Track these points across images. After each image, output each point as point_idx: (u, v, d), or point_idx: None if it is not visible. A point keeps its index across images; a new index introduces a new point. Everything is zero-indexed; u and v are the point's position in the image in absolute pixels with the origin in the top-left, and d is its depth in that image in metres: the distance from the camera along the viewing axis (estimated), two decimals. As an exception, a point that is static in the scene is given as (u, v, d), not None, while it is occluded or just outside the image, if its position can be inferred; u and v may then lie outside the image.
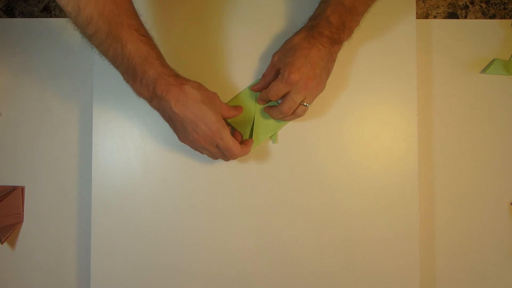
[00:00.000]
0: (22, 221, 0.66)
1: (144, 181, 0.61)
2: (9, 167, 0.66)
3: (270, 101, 0.58)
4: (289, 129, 0.61)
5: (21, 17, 0.68)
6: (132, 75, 0.48)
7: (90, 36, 0.46)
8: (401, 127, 0.61)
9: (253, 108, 0.60)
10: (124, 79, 0.50)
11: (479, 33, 0.66)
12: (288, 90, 0.54)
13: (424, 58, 0.66)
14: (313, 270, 0.61)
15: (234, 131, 0.60)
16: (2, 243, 0.63)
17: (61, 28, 0.66)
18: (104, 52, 0.47)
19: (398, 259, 0.60)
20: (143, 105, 0.61)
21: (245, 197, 0.61)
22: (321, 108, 0.61)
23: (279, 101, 0.57)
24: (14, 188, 0.65)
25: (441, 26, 0.66)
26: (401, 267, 0.60)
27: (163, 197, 0.61)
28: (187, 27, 0.61)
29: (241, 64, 0.61)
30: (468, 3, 0.68)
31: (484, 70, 0.65)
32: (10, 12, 0.69)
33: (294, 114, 0.56)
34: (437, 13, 0.68)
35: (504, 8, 0.68)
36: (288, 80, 0.52)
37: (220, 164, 0.61)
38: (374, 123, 0.61)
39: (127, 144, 0.61)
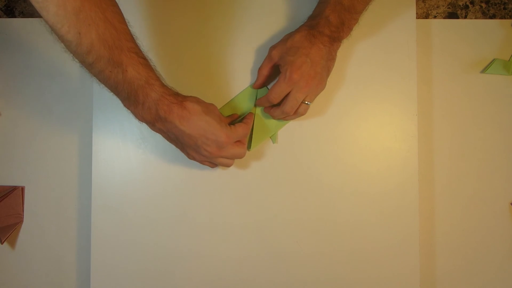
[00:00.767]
0: (22, 221, 0.66)
1: (144, 181, 0.61)
2: (9, 167, 0.66)
3: (268, 105, 0.58)
4: (287, 130, 0.61)
5: (21, 17, 0.68)
6: (134, 100, 0.47)
7: (90, 64, 0.45)
8: (401, 127, 0.61)
9: (252, 109, 0.60)
10: (125, 105, 0.49)
11: (479, 33, 0.66)
12: (289, 89, 0.54)
13: (424, 58, 0.66)
14: (313, 272, 0.61)
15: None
16: (2, 243, 0.63)
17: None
18: (105, 80, 0.46)
19: (398, 259, 0.60)
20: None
21: (244, 201, 0.61)
22: (321, 109, 0.61)
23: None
24: (14, 188, 0.65)
25: (441, 26, 0.66)
26: (401, 268, 0.60)
27: (163, 197, 0.61)
28: (184, 29, 0.61)
29: (238, 65, 0.61)
30: (468, 3, 0.68)
31: (484, 70, 0.65)
32: (10, 12, 0.69)
33: (296, 114, 0.56)
34: (437, 13, 0.68)
35: (504, 8, 0.68)
36: (290, 79, 0.53)
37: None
38: (374, 123, 0.61)
39: (127, 144, 0.61)
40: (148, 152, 0.61)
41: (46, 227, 0.66)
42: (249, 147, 0.60)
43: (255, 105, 0.60)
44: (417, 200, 0.60)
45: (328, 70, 0.55)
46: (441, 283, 0.65)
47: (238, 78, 0.61)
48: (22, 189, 0.66)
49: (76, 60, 0.45)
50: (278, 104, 0.56)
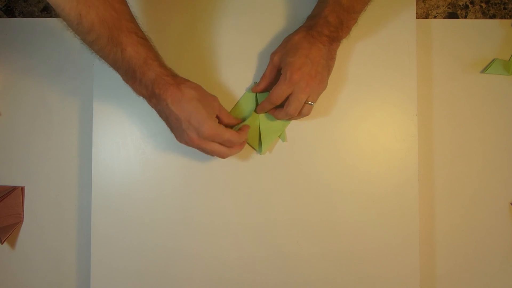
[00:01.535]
0: (22, 221, 0.66)
1: (144, 181, 0.61)
2: (9, 167, 0.66)
3: (271, 108, 0.57)
4: (287, 131, 0.61)
5: (21, 17, 0.68)
6: (132, 77, 0.49)
7: (90, 42, 0.47)
8: (401, 127, 0.61)
9: (253, 114, 0.60)
10: (124, 79, 0.51)
11: (479, 33, 0.66)
12: (291, 91, 0.54)
13: (424, 58, 0.66)
14: (313, 273, 0.61)
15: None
16: (2, 243, 0.63)
17: (61, 28, 0.66)
18: (104, 57, 0.49)
19: (398, 259, 0.60)
20: (143, 105, 0.61)
21: (245, 201, 0.61)
22: (321, 109, 0.61)
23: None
24: (14, 188, 0.65)
25: (441, 26, 0.66)
26: (401, 268, 0.60)
27: (163, 198, 0.61)
28: (182, 30, 0.61)
29: (238, 66, 0.61)
30: (468, 3, 0.68)
31: (484, 70, 0.65)
32: (10, 12, 0.69)
33: (300, 114, 0.56)
34: (437, 13, 0.68)
35: (504, 8, 0.68)
36: (291, 80, 0.53)
37: (220, 165, 0.61)
38: (374, 123, 0.61)
39: (127, 144, 0.61)
40: (148, 152, 0.61)
41: (46, 227, 0.66)
42: (260, 151, 0.60)
43: (256, 111, 0.59)
44: (417, 200, 0.60)
45: (328, 69, 0.55)
46: (441, 283, 0.65)
47: (238, 80, 0.61)
48: (22, 189, 0.66)
49: (77, 37, 0.47)
50: (281, 106, 0.56)
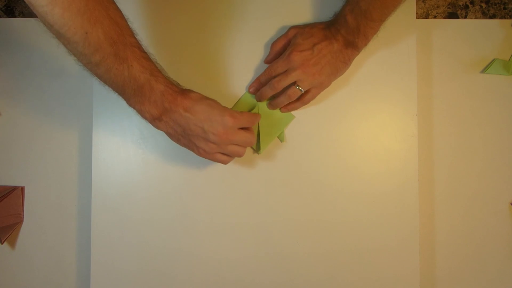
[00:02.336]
0: (22, 221, 0.66)
1: (144, 181, 0.61)
2: (9, 167, 0.66)
3: (267, 80, 0.58)
4: (288, 130, 0.61)
5: (21, 17, 0.68)
6: (140, 96, 0.48)
7: (97, 64, 0.44)
8: (401, 127, 0.61)
9: (255, 112, 0.60)
10: (130, 104, 0.49)
11: (479, 33, 0.66)
12: (286, 68, 0.55)
13: (424, 58, 0.66)
14: (313, 273, 0.61)
15: None
16: (2, 243, 0.63)
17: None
18: (111, 79, 0.46)
19: (398, 259, 0.60)
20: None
21: (245, 201, 0.61)
22: (321, 109, 0.61)
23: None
24: (14, 188, 0.65)
25: (441, 26, 0.66)
26: (401, 269, 0.60)
27: (163, 198, 0.61)
28: (183, 32, 0.61)
29: (238, 68, 0.61)
30: (468, 3, 0.68)
31: (484, 70, 0.65)
32: (10, 12, 0.69)
33: (285, 95, 0.56)
34: (437, 13, 0.68)
35: (504, 8, 0.68)
36: (289, 58, 0.54)
37: (220, 165, 0.61)
38: (373, 123, 0.61)
39: (127, 144, 0.61)
40: (148, 152, 0.61)
41: (46, 227, 0.66)
42: (258, 150, 0.60)
43: (249, 91, 0.60)
44: (417, 200, 0.60)
45: (335, 69, 0.55)
46: (441, 283, 0.65)
47: (238, 81, 0.61)
48: (22, 189, 0.66)
49: (80, 62, 0.45)
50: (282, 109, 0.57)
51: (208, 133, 0.50)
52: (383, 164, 0.61)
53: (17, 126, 0.66)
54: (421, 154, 0.63)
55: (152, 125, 0.52)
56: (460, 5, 0.68)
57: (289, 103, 0.58)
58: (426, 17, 0.68)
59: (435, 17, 0.68)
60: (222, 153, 0.53)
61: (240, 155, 0.54)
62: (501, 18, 0.67)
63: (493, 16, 0.67)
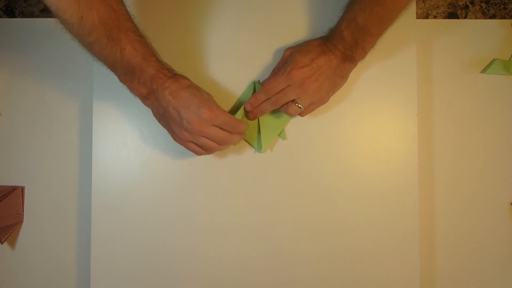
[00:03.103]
0: (22, 221, 0.66)
1: (144, 181, 0.61)
2: (9, 167, 0.66)
3: (264, 99, 0.57)
4: (288, 130, 0.61)
5: (21, 17, 0.68)
6: (131, 76, 0.50)
7: (90, 44, 0.47)
8: (401, 127, 0.61)
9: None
10: (121, 80, 0.52)
11: (479, 33, 0.66)
12: (285, 85, 0.54)
13: (424, 58, 0.66)
14: (313, 273, 0.61)
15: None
16: (2, 243, 0.63)
17: (61, 28, 0.66)
18: (104, 58, 0.49)
19: (398, 260, 0.60)
20: (143, 105, 0.61)
21: (245, 200, 0.61)
22: (321, 109, 0.60)
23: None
24: (14, 188, 0.65)
25: (441, 26, 0.66)
26: (402, 269, 0.60)
27: (163, 198, 0.61)
28: (180, 29, 0.61)
29: (237, 66, 0.61)
30: (468, 3, 0.68)
31: (484, 70, 0.65)
32: (10, 12, 0.69)
33: (285, 111, 0.56)
34: (437, 13, 0.68)
35: (504, 8, 0.68)
36: (289, 75, 0.53)
37: (220, 164, 0.61)
38: (374, 123, 0.61)
39: (127, 144, 0.61)
40: (148, 152, 0.61)
41: (46, 227, 0.66)
42: (260, 148, 0.59)
43: (246, 104, 0.59)
44: (417, 200, 0.60)
45: (333, 84, 0.55)
46: (441, 283, 0.65)
47: (236, 82, 0.61)
48: (22, 189, 0.66)
49: (76, 39, 0.48)
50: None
51: (183, 119, 0.50)
52: (383, 164, 0.61)
53: (17, 126, 0.66)
54: (421, 154, 0.63)
55: (141, 101, 0.54)
56: (460, 5, 0.68)
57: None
58: (426, 17, 0.68)
59: (435, 17, 0.68)
60: (195, 144, 0.53)
61: (211, 150, 0.54)
62: (501, 18, 0.67)
63: (493, 16, 0.68)
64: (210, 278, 0.61)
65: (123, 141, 0.61)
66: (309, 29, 0.61)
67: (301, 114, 0.57)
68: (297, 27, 0.61)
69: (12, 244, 0.66)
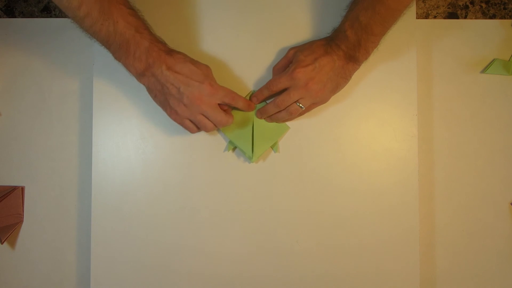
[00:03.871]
0: (22, 221, 0.66)
1: (144, 181, 0.61)
2: (9, 167, 0.66)
3: (265, 99, 0.58)
4: (289, 129, 0.61)
5: (21, 17, 0.68)
6: (126, 50, 0.50)
7: (82, 18, 0.47)
8: (401, 127, 0.61)
9: (251, 120, 0.60)
10: (116, 57, 0.51)
11: (479, 33, 0.66)
12: (288, 85, 0.54)
13: (424, 58, 0.66)
14: (313, 272, 0.61)
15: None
16: (2, 243, 0.63)
17: (61, 28, 0.66)
18: (96, 33, 0.48)
19: (398, 259, 0.60)
20: (143, 105, 0.61)
21: (245, 198, 0.61)
22: (322, 108, 0.61)
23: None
24: (14, 188, 0.65)
25: (441, 26, 0.66)
26: (401, 268, 0.60)
27: (163, 198, 0.61)
28: (180, 30, 0.61)
29: (237, 75, 0.61)
30: (468, 3, 0.68)
31: (484, 70, 0.65)
32: (10, 12, 0.69)
33: (286, 111, 0.56)
34: (437, 13, 0.68)
35: (504, 8, 0.68)
36: (292, 74, 0.53)
37: (220, 163, 0.61)
38: (374, 123, 0.61)
39: (127, 144, 0.61)
40: (148, 152, 0.61)
41: (46, 227, 0.66)
42: (251, 158, 0.59)
43: (253, 97, 0.60)
44: (417, 200, 0.60)
45: (336, 85, 0.55)
46: (441, 283, 0.65)
47: (236, 88, 0.61)
48: (22, 189, 0.66)
49: (68, 14, 0.47)
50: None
51: (182, 95, 0.50)
52: (383, 163, 0.61)
53: (17, 126, 0.66)
54: (421, 154, 0.63)
55: (137, 79, 0.53)
56: (460, 5, 0.68)
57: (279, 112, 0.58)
58: (426, 17, 0.68)
59: (435, 17, 0.68)
60: (191, 121, 0.54)
61: (206, 130, 0.54)
62: (501, 18, 0.67)
63: (493, 16, 0.68)
64: (210, 276, 0.61)
65: (123, 141, 0.61)
66: (312, 29, 0.61)
67: (301, 113, 0.58)
68: (299, 27, 0.61)
69: (12, 244, 0.66)
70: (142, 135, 0.61)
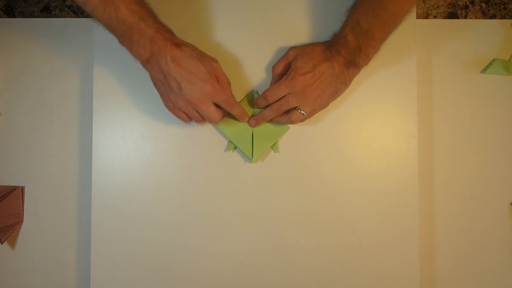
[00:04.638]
0: (22, 221, 0.66)
1: (144, 181, 0.61)
2: (9, 167, 0.66)
3: (264, 106, 0.57)
4: (290, 129, 0.61)
5: (21, 17, 0.68)
6: (129, 37, 0.49)
7: (83, 3, 0.46)
8: (401, 127, 0.61)
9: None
10: (120, 42, 0.50)
11: (479, 33, 0.66)
12: (287, 92, 0.54)
13: (424, 58, 0.66)
14: (313, 272, 0.61)
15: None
16: (2, 243, 0.63)
17: (61, 28, 0.66)
18: (99, 18, 0.48)
19: (398, 259, 0.60)
20: (143, 105, 0.61)
21: (245, 198, 0.61)
22: (322, 109, 0.61)
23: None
24: (14, 188, 0.65)
25: (441, 26, 0.66)
26: (401, 268, 0.60)
27: (163, 198, 0.61)
28: (181, 31, 0.61)
29: (236, 77, 0.61)
30: (468, 3, 0.68)
31: (484, 70, 0.65)
32: (10, 12, 0.69)
33: (288, 119, 0.56)
34: (437, 13, 0.68)
35: (504, 8, 0.68)
36: (291, 82, 0.53)
37: (221, 163, 0.61)
38: (374, 123, 0.61)
39: (127, 144, 0.61)
40: (148, 152, 0.61)
41: (46, 227, 0.66)
42: (251, 158, 0.59)
43: (253, 106, 0.60)
44: (417, 200, 0.60)
45: (335, 91, 0.55)
46: (441, 283, 0.65)
47: (236, 89, 0.61)
48: (22, 189, 0.66)
49: None
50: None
51: (183, 91, 0.50)
52: (383, 164, 0.61)
53: (17, 126, 0.66)
54: (421, 154, 0.63)
55: (142, 66, 0.52)
56: (460, 5, 0.68)
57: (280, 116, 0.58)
58: (426, 17, 0.68)
59: (435, 17, 0.68)
60: (186, 114, 0.54)
61: (198, 122, 0.55)
62: (501, 18, 0.67)
63: (493, 16, 0.68)
64: (210, 276, 0.61)
65: (123, 141, 0.61)
66: (312, 30, 0.61)
67: (302, 120, 0.57)
68: (299, 28, 0.61)
69: (12, 244, 0.66)
70: (142, 135, 0.61)
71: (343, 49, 0.53)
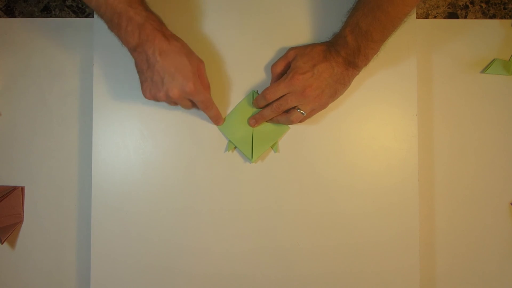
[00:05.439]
0: (22, 221, 0.66)
1: (144, 181, 0.61)
2: (9, 167, 0.66)
3: (263, 105, 0.57)
4: (290, 129, 0.61)
5: (21, 17, 0.68)
6: (117, 23, 0.48)
7: None
8: (401, 127, 0.61)
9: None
10: (109, 27, 0.50)
11: (479, 33, 0.66)
12: (286, 91, 0.54)
13: (424, 58, 0.66)
14: (313, 272, 0.61)
15: None
16: (2, 243, 0.63)
17: (61, 28, 0.66)
18: (87, 2, 0.47)
19: (398, 259, 0.60)
20: (143, 105, 0.61)
21: (245, 198, 0.61)
22: (322, 110, 0.61)
23: None
24: (14, 188, 0.65)
25: (441, 26, 0.66)
26: (401, 268, 0.60)
27: (163, 198, 0.61)
28: (181, 36, 0.61)
29: (236, 77, 0.61)
30: (468, 3, 0.68)
31: (484, 70, 0.65)
32: (10, 12, 0.69)
33: (287, 119, 0.56)
34: (437, 13, 0.68)
35: (504, 8, 0.68)
36: (290, 82, 0.53)
37: (221, 163, 0.61)
38: (374, 123, 0.61)
39: (127, 144, 0.61)
40: (148, 152, 0.61)
41: (46, 227, 0.66)
42: (251, 158, 0.59)
43: (253, 105, 0.60)
44: (417, 200, 0.60)
45: (334, 91, 0.55)
46: (441, 283, 0.65)
47: (235, 90, 0.61)
48: (22, 189, 0.66)
49: None
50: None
51: (164, 85, 0.50)
52: (383, 164, 0.61)
53: (17, 126, 0.66)
54: (421, 154, 0.63)
55: (130, 53, 0.51)
56: (460, 5, 0.68)
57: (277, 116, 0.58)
58: (426, 17, 0.68)
59: (435, 17, 0.68)
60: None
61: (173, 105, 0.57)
62: (501, 18, 0.67)
63: (493, 16, 0.68)
64: (210, 276, 0.61)
65: (123, 141, 0.61)
66: (312, 31, 0.61)
67: (301, 120, 0.58)
68: (299, 28, 0.61)
69: (12, 244, 0.66)
70: (142, 135, 0.61)
71: (342, 50, 0.53)
